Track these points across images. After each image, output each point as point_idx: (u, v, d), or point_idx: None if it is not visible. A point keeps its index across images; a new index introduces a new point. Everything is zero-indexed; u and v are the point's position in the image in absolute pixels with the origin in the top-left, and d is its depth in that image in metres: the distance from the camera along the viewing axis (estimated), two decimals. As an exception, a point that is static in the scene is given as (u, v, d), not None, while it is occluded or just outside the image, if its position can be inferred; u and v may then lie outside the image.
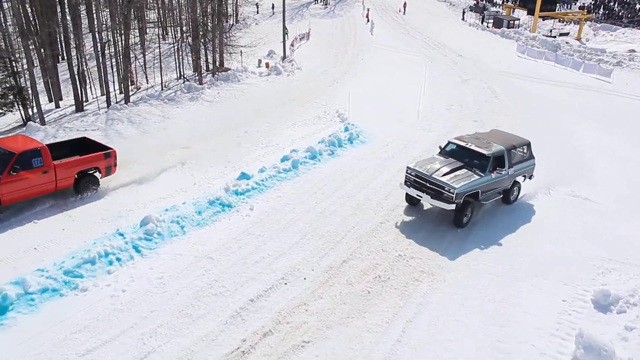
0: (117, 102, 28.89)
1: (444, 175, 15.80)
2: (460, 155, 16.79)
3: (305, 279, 13.31)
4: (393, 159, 21.16)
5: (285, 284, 13.10)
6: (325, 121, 25.61)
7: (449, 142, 17.49)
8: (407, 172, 16.61)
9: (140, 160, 18.98)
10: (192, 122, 25.08)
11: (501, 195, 17.37)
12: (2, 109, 26.65)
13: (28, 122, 24.46)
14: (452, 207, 15.49)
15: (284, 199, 17.32)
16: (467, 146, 16.81)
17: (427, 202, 16.39)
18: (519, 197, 18.06)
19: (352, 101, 25.70)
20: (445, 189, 15.46)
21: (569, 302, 12.84)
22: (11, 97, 26.85)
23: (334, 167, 20.14)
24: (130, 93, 30.46)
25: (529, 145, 17.80)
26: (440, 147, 17.64)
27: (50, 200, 16.39)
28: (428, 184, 15.91)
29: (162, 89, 31.88)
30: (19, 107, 26.77)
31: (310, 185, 18.44)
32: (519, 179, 17.75)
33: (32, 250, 14.03)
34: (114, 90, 31.25)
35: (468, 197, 15.81)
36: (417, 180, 16.23)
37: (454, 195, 15.27)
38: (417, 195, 16.29)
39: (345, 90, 29.55)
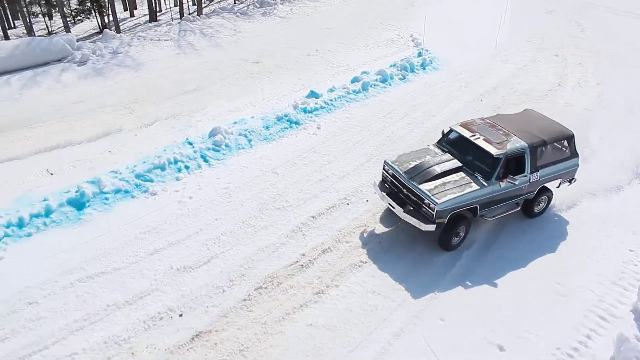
0: (189, 14, 28.90)
1: (429, 180, 11.55)
2: (463, 149, 12.33)
3: (367, 201, 13.32)
4: (466, 88, 20.44)
5: (348, 204, 13.17)
6: (398, 45, 24.80)
7: (451, 130, 12.89)
8: (384, 169, 12.55)
9: (211, 74, 19.17)
10: (263, 37, 24.87)
11: (519, 208, 12.83)
12: (80, 16, 27.25)
13: (104, 30, 24.87)
14: (432, 228, 11.32)
15: (351, 120, 17.17)
16: (471, 139, 12.25)
17: (400, 216, 11.86)
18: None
19: (427, 26, 24.72)
20: (425, 202, 11.29)
21: (636, 252, 12.30)
22: (88, 4, 27.34)
23: (404, 92, 19.68)
24: (203, 5, 30.35)
25: (570, 138, 12.95)
26: (442, 133, 13.25)
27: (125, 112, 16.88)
28: (405, 191, 11.87)
29: (234, 3, 31.60)
30: (95, 15, 27.28)
31: (379, 108, 18.14)
32: (553, 184, 13.10)
33: (107, 152, 14.64)
34: (187, 1, 31.21)
35: (461, 213, 11.61)
36: (395, 183, 12.22)
37: (434, 213, 11.13)
38: (389, 205, 12.15)
39: (420, 14, 28.37)
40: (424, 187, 11.40)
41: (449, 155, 12.33)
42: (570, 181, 13.45)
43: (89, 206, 12.36)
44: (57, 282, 10.43)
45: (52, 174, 13.55)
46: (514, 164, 11.97)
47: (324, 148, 15.50)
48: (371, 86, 19.33)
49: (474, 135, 12.32)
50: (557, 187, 13.23)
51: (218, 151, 14.67)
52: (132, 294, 10.30)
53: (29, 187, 12.91)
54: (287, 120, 16.40)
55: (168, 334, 9.61)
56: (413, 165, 11.96)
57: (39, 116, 16.09)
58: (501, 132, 12.42)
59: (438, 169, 11.80)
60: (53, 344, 9.25)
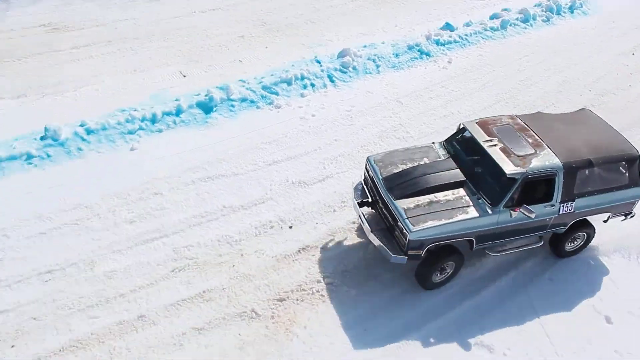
0: None
1: (413, 195, 8.71)
2: (473, 156, 9.25)
3: (491, 144, 12.74)
4: (617, 38, 18.55)
5: (470, 144, 12.69)
6: (547, -18, 22.88)
7: (464, 127, 9.71)
8: (365, 168, 9.81)
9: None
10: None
11: (542, 243, 9.66)
12: None
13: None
14: (402, 260, 8.61)
15: (485, 59, 16.26)
16: (483, 145, 9.06)
17: (367, 235, 9.17)
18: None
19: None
20: (399, 224, 8.49)
21: None
22: None
23: (546, 35, 18.22)
24: None
25: (633, 160, 9.38)
26: (458, 128, 9.99)
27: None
28: (380, 203, 9.12)
29: None
30: None
31: (516, 49, 16.98)
32: (598, 218, 9.81)
33: (237, 62, 14.96)
34: None
35: (450, 244, 8.77)
36: (373, 190, 9.48)
37: (406, 242, 8.35)
38: (359, 216, 9.33)
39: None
40: (402, 203, 8.57)
41: (452, 162, 9.34)
42: (627, 215, 10.02)
43: (215, 111, 12.81)
44: (180, 178, 11.03)
45: (184, 76, 14.10)
46: (539, 188, 8.81)
47: (452, 84, 14.90)
48: (510, 25, 18.09)
49: (490, 141, 9.09)
50: (605, 221, 9.93)
51: (345, 73, 14.53)
52: (247, 200, 10.71)
53: (163, 87, 13.55)
54: (418, 50, 15.85)
55: (277, 243, 9.97)
56: (399, 171, 9.13)
57: (175, 22, 16.59)
58: (530, 141, 9.12)
59: (430, 181, 8.92)
60: (173, 234, 9.90)
